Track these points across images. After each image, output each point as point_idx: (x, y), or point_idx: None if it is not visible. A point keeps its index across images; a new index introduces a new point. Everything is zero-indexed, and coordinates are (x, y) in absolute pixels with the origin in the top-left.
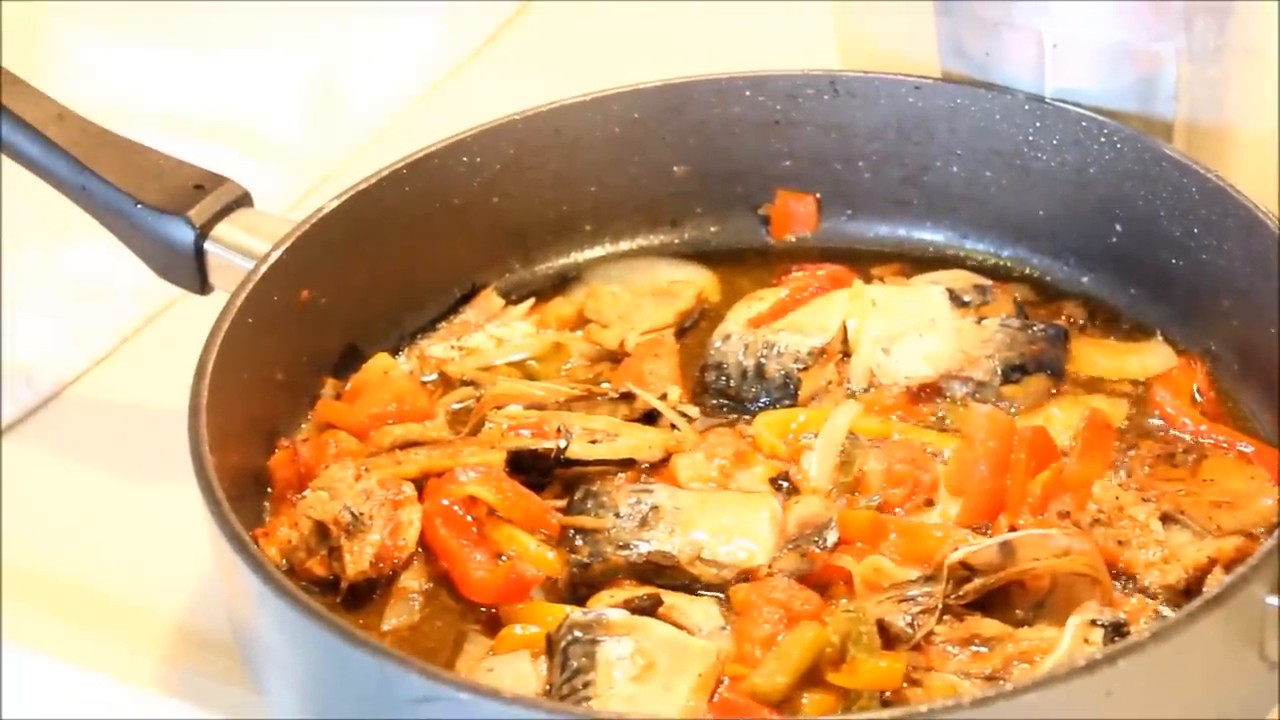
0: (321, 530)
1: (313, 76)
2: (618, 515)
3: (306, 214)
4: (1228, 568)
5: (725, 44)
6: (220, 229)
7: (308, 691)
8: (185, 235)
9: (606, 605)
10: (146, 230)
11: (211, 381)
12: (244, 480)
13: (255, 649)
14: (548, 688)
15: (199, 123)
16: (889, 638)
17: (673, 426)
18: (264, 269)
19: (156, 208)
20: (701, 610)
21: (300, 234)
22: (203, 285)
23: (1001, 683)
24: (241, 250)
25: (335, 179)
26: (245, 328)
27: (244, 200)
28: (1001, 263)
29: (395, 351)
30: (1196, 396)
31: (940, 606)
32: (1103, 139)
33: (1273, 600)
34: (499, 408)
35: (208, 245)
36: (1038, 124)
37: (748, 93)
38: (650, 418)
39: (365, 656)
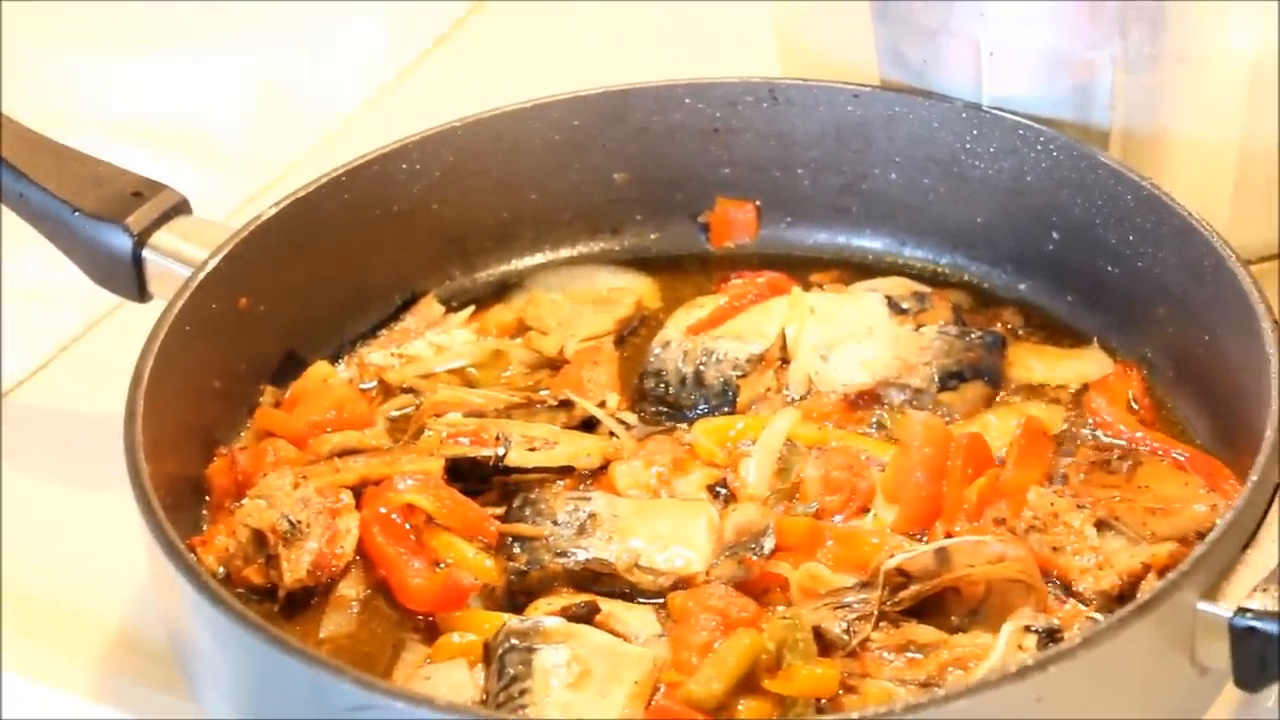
0: (259, 538)
1: (258, 80)
2: (555, 523)
3: (249, 220)
4: (1161, 574)
5: (666, 51)
6: (158, 236)
7: (243, 700)
8: (123, 243)
9: (544, 613)
10: (84, 238)
11: (148, 390)
12: (181, 488)
13: (190, 657)
14: (484, 696)
15: (143, 127)
16: (825, 644)
17: (611, 434)
18: (202, 277)
19: (94, 215)
20: (639, 618)
21: (238, 241)
22: (141, 293)
23: (935, 689)
24: (180, 258)
25: (281, 183)
26: (183, 335)
27: (182, 207)
28: (939, 270)
29: (335, 359)
30: (1132, 403)
31: (876, 613)
32: (1039, 146)
33: (1203, 606)
34: (438, 415)
35: (146, 253)
36: (975, 131)
37: (688, 100)
38: (589, 425)
39: (300, 665)
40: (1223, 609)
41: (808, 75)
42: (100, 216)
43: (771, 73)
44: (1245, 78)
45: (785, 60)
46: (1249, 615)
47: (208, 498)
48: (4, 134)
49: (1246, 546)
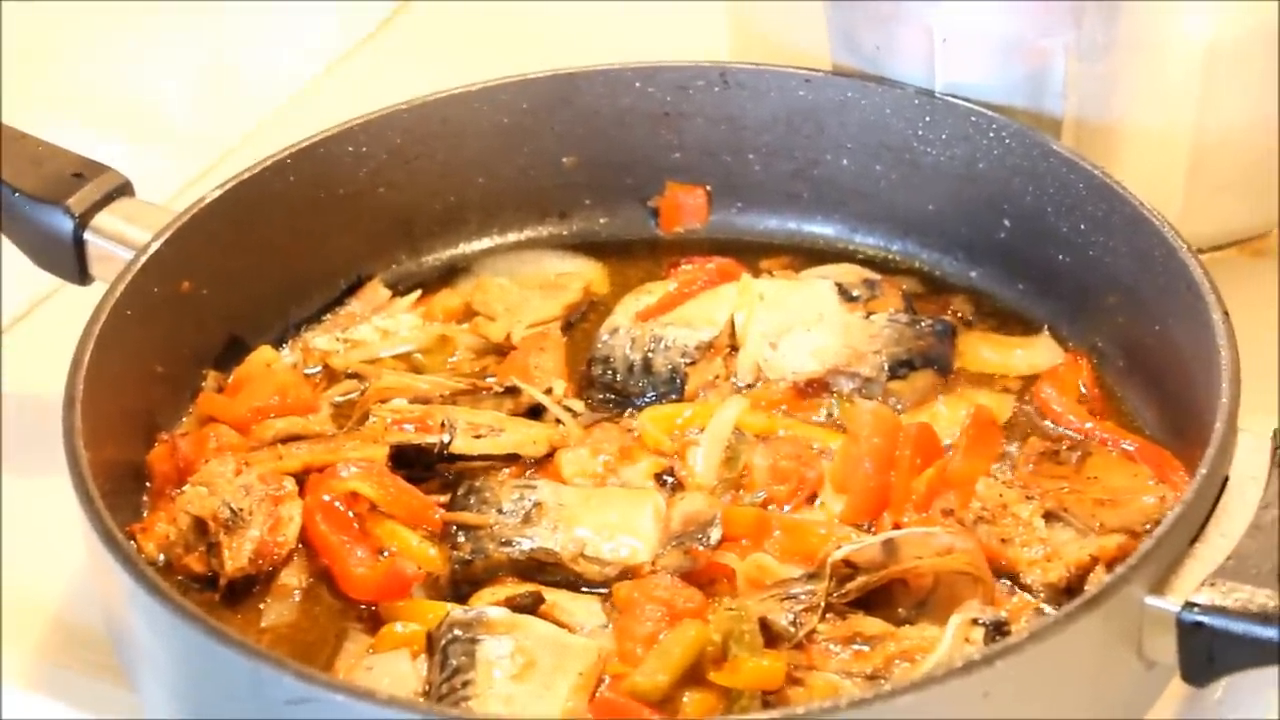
0: (200, 526)
1: (202, 60)
2: (501, 511)
3: (191, 202)
4: (1110, 566)
5: (616, 34)
6: (100, 218)
7: (181, 691)
8: (64, 225)
9: (488, 603)
10: (24, 219)
11: (88, 374)
12: (121, 474)
13: (129, 647)
14: (427, 687)
15: (86, 105)
16: (771, 636)
17: (558, 421)
18: (143, 260)
19: (34, 196)
20: (584, 608)
21: (181, 224)
22: (82, 276)
23: (881, 683)
24: (121, 240)
25: (224, 165)
26: (124, 319)
27: (125, 189)
28: (891, 257)
29: (279, 343)
30: (1082, 393)
31: (823, 605)
32: (991, 134)
33: (1151, 600)
34: (383, 401)
35: (87, 235)
36: (927, 118)
37: (637, 84)
38: (535, 412)
39: (238, 657)
40: (1170, 603)
41: (759, 59)
42: (40, 198)
43: (722, 57)
44: (1198, 67)
45: (736, 44)
46: (1196, 610)
47: (148, 484)
48: None
49: (1194, 540)
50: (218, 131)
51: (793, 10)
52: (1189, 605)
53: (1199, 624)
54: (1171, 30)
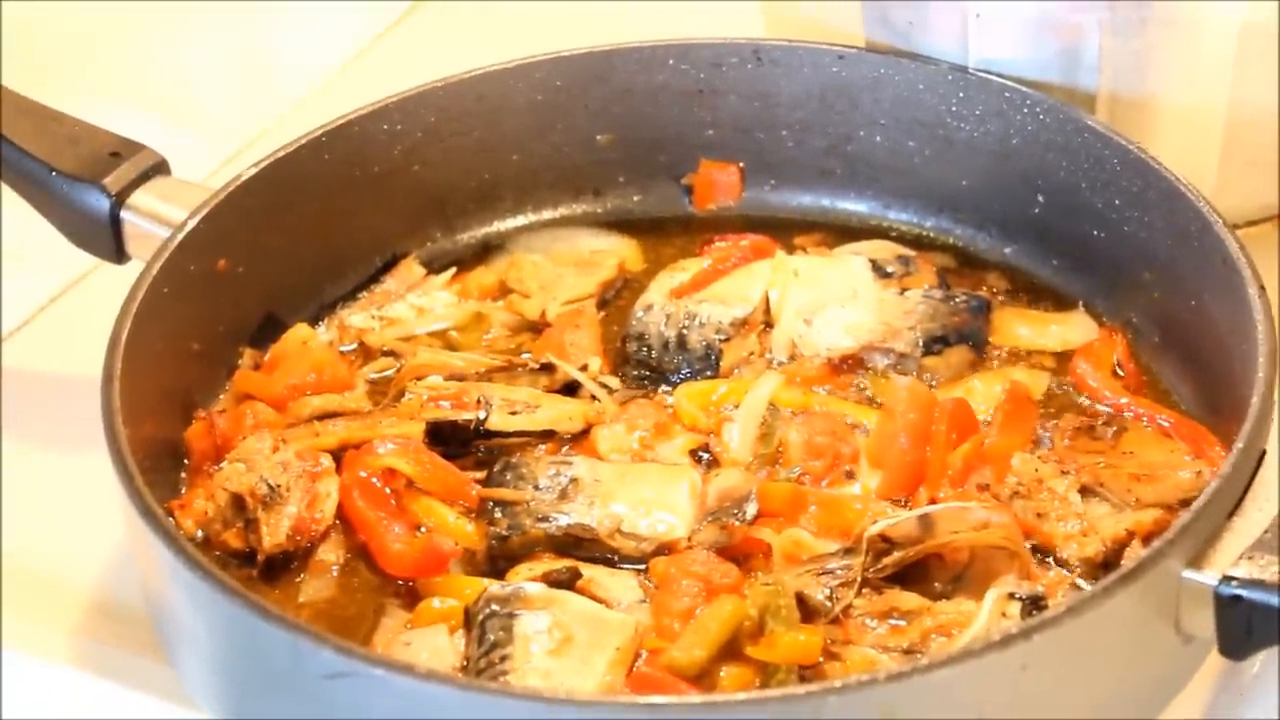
0: (238, 502)
1: (238, 43)
2: (537, 487)
3: (226, 180)
4: (1146, 540)
5: (650, 11)
6: (136, 197)
7: (221, 666)
8: (101, 204)
9: (525, 578)
10: (61, 198)
11: (125, 353)
12: (159, 452)
13: (168, 623)
14: (465, 662)
15: (123, 86)
16: (808, 611)
17: (593, 398)
18: (180, 238)
19: (71, 175)
20: (620, 583)
21: (217, 202)
22: (119, 254)
23: (918, 657)
24: (158, 219)
25: (261, 144)
26: (161, 298)
27: (161, 168)
28: (924, 233)
29: (315, 321)
30: (1117, 369)
31: (859, 579)
32: (1025, 110)
33: (1188, 574)
34: (419, 378)
35: (124, 214)
36: (961, 94)
37: (671, 61)
38: (571, 389)
39: (278, 631)
40: (1208, 577)
41: (792, 36)
42: (78, 177)
43: (756, 34)
44: (1233, 42)
45: (770, 21)
46: (1234, 583)
47: (186, 461)
48: None
49: (1232, 514)
50: (253, 112)
51: None
52: (1226, 579)
53: (1237, 597)
54: (1205, 5)
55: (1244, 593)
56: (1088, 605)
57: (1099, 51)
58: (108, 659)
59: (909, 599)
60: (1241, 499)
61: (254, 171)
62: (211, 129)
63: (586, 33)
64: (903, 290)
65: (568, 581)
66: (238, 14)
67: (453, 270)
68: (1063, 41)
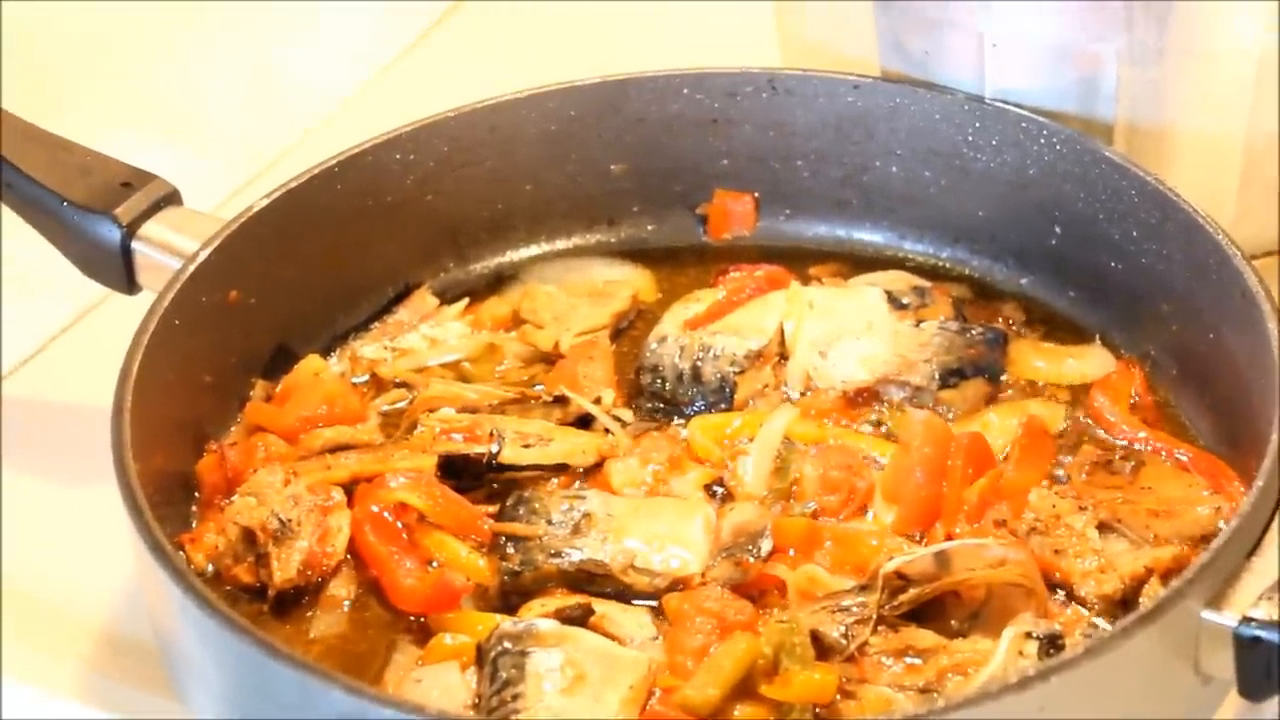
0: (249, 536)
1: (251, 67)
2: (550, 522)
3: (239, 210)
4: (1164, 577)
5: (664, 40)
6: (148, 228)
7: (230, 703)
8: (112, 234)
9: (537, 614)
10: (72, 229)
11: (136, 385)
12: (170, 484)
13: (178, 659)
14: (477, 699)
15: (134, 110)
16: (823, 649)
17: (607, 431)
18: (191, 269)
19: (83, 206)
20: (634, 620)
21: (229, 233)
22: (130, 285)
23: (934, 696)
24: (169, 249)
25: (272, 173)
26: (172, 329)
27: (173, 198)
28: (940, 263)
29: (327, 352)
30: (1135, 402)
31: (875, 617)
32: (1042, 140)
33: (1208, 615)
34: (431, 410)
35: (135, 244)
36: (977, 124)
37: (686, 90)
38: (584, 421)
39: (287, 670)
40: (1227, 618)
41: (808, 65)
42: (89, 207)
43: (771, 62)
44: (1251, 72)
45: (785, 50)
46: (1254, 624)
47: (197, 494)
48: None
49: (1251, 554)
50: (266, 138)
51: (841, 16)
52: (1246, 620)
53: (1257, 639)
54: (1223, 36)
55: (1264, 634)
56: (1106, 646)
57: (1116, 81)
58: (115, 694)
59: (925, 637)
60: (1261, 538)
61: (266, 202)
62: (224, 155)
63: (600, 61)
64: (918, 322)
65: (580, 618)
66: (251, 38)
67: (465, 301)
68: (1080, 71)
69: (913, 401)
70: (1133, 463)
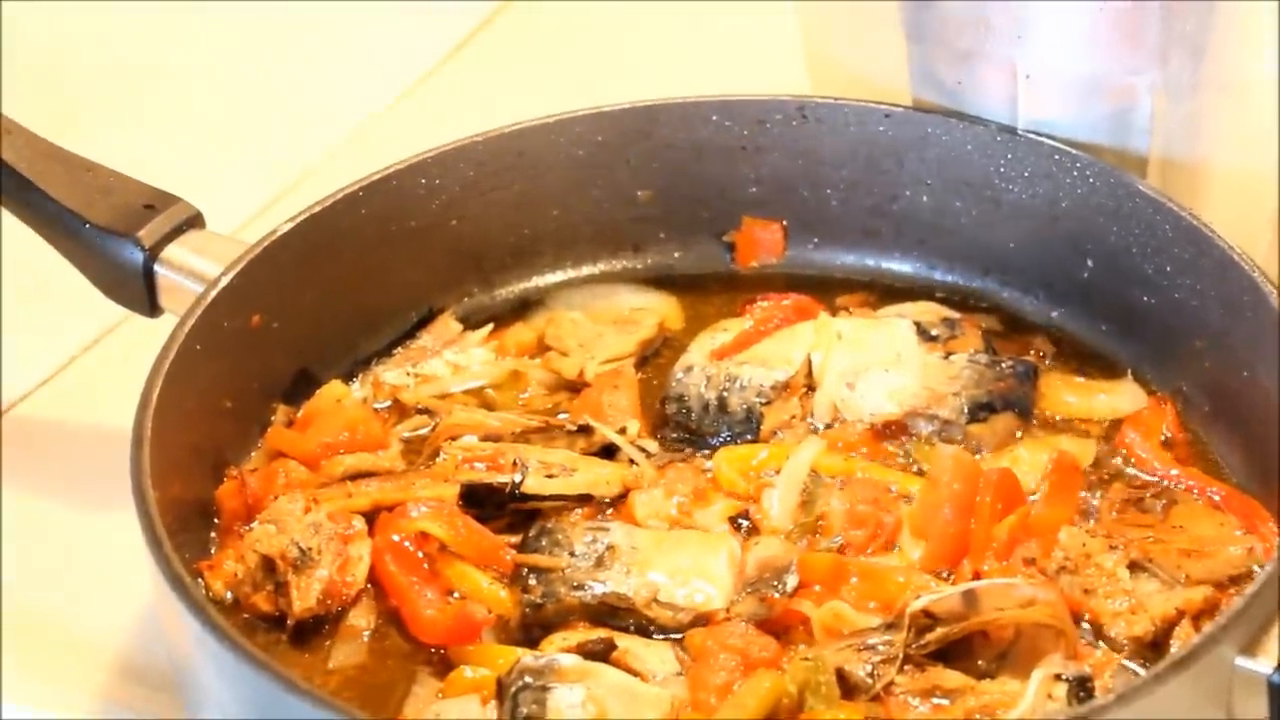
0: (268, 564)
1: (276, 87)
2: (573, 554)
3: (264, 230)
4: (1196, 619)
5: (694, 66)
6: (170, 250)
7: None
8: (134, 257)
9: (559, 648)
10: (94, 251)
11: (156, 411)
12: (189, 511)
13: (195, 690)
14: None
15: (158, 128)
16: (848, 687)
17: (631, 461)
18: (213, 294)
19: (105, 228)
20: (657, 655)
21: (252, 257)
22: (152, 308)
23: None
24: (192, 273)
25: (296, 194)
26: (194, 355)
27: (195, 220)
28: (970, 295)
29: (349, 377)
30: (1167, 438)
31: (901, 656)
32: (1075, 172)
33: (1242, 662)
34: (454, 438)
35: (157, 267)
36: (1009, 155)
37: (714, 117)
38: (608, 451)
39: (304, 705)
40: (1262, 665)
41: (838, 94)
42: (111, 229)
43: (802, 90)
44: None
45: (816, 78)
46: None
47: (217, 520)
48: (14, 141)
49: None
50: (291, 157)
51: (873, 45)
52: None
53: None
54: (1260, 70)
55: None
56: (1138, 693)
57: (1151, 114)
58: None
59: (952, 677)
60: None
61: (289, 226)
62: (250, 173)
63: (629, 87)
64: (947, 354)
65: (602, 653)
66: (277, 57)
67: (490, 326)
68: (1114, 104)
69: (941, 435)
70: (1164, 501)
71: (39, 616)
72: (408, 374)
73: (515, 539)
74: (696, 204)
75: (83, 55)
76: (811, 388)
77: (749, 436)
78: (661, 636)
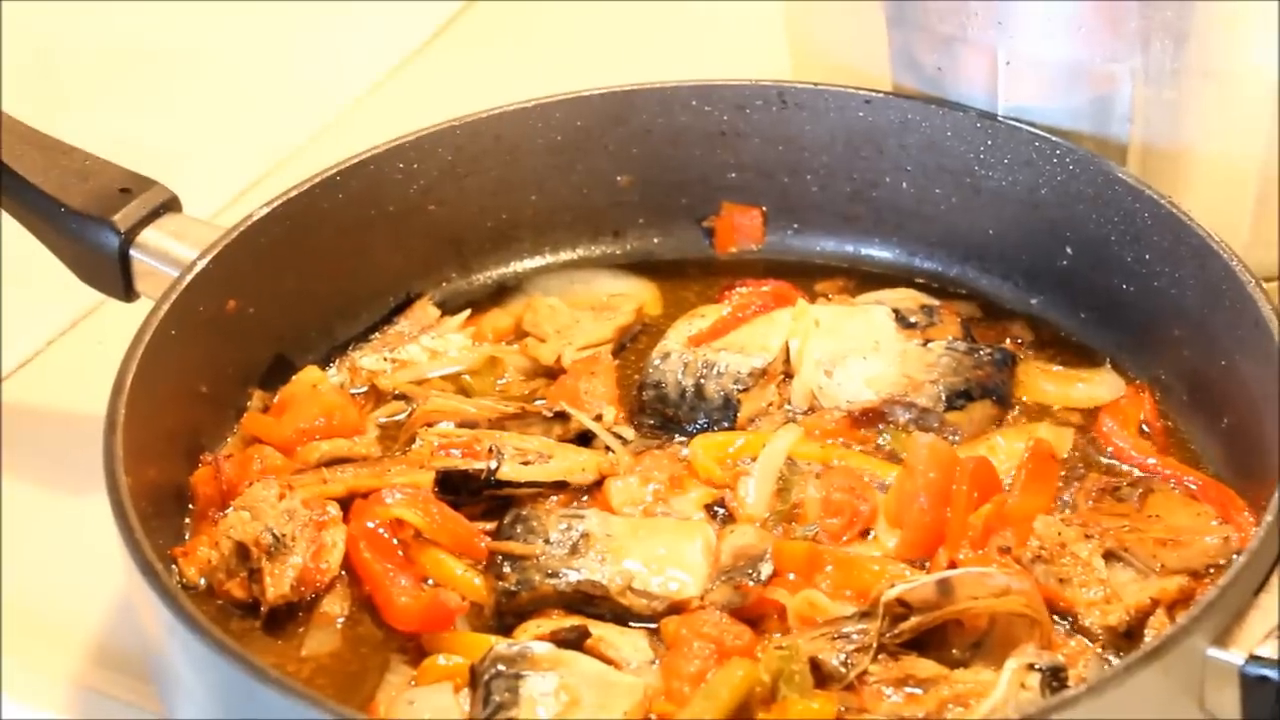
0: (242, 551)
1: (257, 70)
2: (548, 541)
3: (241, 215)
4: (1170, 609)
5: (674, 51)
6: (146, 234)
7: None
8: (109, 241)
9: (533, 636)
10: (70, 234)
11: (130, 396)
12: (164, 496)
13: (166, 677)
14: None
15: (139, 112)
16: (822, 676)
17: (607, 448)
18: (189, 279)
19: (81, 212)
20: (631, 643)
21: (228, 242)
22: (128, 292)
23: None
24: (168, 257)
25: (273, 179)
26: (169, 339)
27: (172, 204)
28: (949, 281)
29: (326, 362)
30: (1144, 427)
31: (875, 645)
32: (1055, 159)
33: (1214, 652)
34: (430, 425)
35: (133, 251)
36: (989, 142)
37: (694, 102)
38: (585, 438)
39: (275, 695)
40: (1234, 656)
41: (819, 79)
42: (87, 213)
43: (782, 76)
44: (1268, 95)
45: (797, 63)
46: (1261, 663)
47: (191, 505)
48: None
49: (1259, 590)
50: (271, 141)
51: (854, 29)
52: (1253, 659)
53: (1263, 678)
54: (1241, 58)
55: (1271, 673)
56: (1110, 684)
57: (1131, 102)
58: (106, 709)
59: (926, 666)
60: (1269, 575)
61: (266, 210)
62: (228, 156)
63: (608, 71)
64: (926, 341)
65: (576, 641)
66: (257, 41)
67: (467, 312)
68: (1095, 91)
69: (919, 423)
70: (1140, 490)
71: (14, 600)
72: (385, 359)
73: (490, 526)
74: (676, 189)
75: (61, 40)
76: (789, 375)
77: (726, 424)
78: (636, 624)
